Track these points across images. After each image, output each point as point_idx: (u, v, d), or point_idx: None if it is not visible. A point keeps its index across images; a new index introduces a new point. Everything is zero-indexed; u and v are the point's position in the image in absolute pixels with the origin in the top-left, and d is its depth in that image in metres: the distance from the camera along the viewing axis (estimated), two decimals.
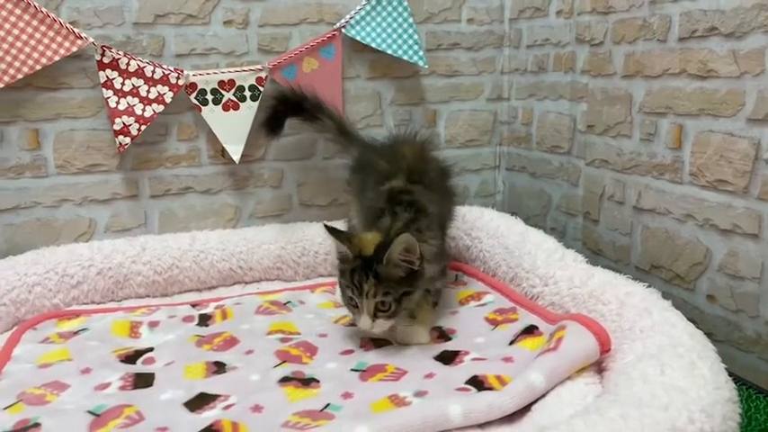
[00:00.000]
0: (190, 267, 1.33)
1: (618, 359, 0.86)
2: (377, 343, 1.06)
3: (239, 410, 0.85)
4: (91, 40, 1.30)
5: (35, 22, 1.27)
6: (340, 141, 1.37)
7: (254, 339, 1.08)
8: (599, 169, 1.33)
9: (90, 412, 0.85)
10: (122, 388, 0.92)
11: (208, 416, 0.84)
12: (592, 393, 0.83)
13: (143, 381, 0.94)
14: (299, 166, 1.51)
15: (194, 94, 1.39)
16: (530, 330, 1.01)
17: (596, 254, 1.35)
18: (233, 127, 1.42)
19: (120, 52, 1.33)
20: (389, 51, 1.46)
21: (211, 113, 1.40)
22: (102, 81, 1.33)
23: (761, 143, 0.97)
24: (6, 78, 1.26)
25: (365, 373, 0.95)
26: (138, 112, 1.35)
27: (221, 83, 1.40)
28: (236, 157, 1.42)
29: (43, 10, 1.27)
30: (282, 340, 1.07)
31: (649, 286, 0.99)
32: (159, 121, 1.38)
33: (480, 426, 0.80)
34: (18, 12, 1.26)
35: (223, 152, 1.44)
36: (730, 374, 0.80)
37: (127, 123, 1.34)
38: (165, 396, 0.90)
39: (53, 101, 1.34)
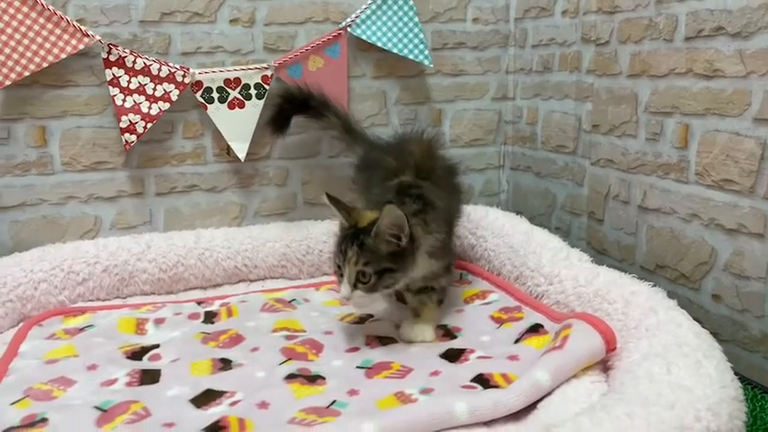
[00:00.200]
0: (195, 265, 1.34)
1: (623, 358, 0.86)
2: (382, 341, 1.06)
3: (245, 407, 0.85)
4: (97, 37, 1.31)
5: (42, 20, 1.27)
6: (346, 139, 1.38)
7: (259, 337, 1.08)
8: (604, 169, 1.33)
9: (97, 408, 0.85)
10: (129, 384, 0.93)
11: (214, 412, 0.84)
12: (597, 392, 0.83)
13: (149, 377, 0.95)
14: (304, 165, 1.51)
15: (200, 92, 1.39)
16: (535, 329, 1.01)
17: (601, 253, 1.35)
18: (238, 125, 1.42)
19: (126, 50, 1.33)
20: (395, 50, 1.47)
21: (217, 111, 1.41)
22: (108, 79, 1.33)
23: (767, 143, 0.97)
24: (14, 76, 1.27)
25: (371, 370, 0.95)
26: (144, 109, 1.35)
27: (227, 81, 1.40)
28: (241, 156, 1.43)
29: (50, 8, 1.27)
30: (288, 338, 1.08)
31: (654, 286, 0.99)
32: (165, 119, 1.39)
33: (486, 423, 0.80)
34: (25, 9, 1.26)
35: (228, 150, 1.44)
36: (736, 374, 0.80)
37: (133, 121, 1.34)
38: (171, 392, 0.90)
39: (60, 98, 1.34)
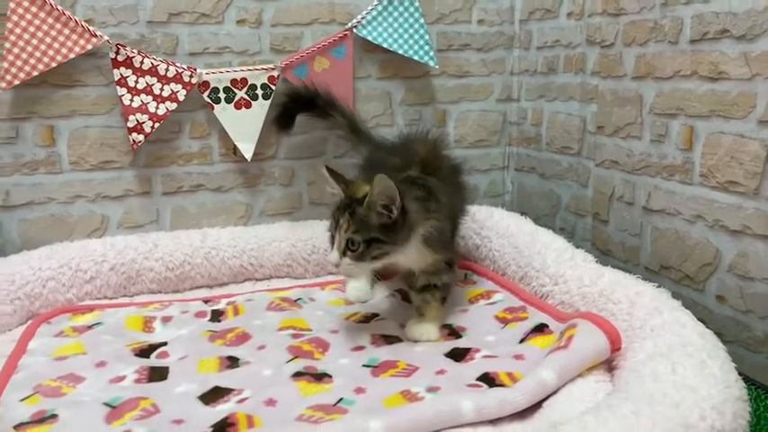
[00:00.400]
0: (201, 264, 1.35)
1: (628, 358, 0.87)
2: (388, 339, 1.07)
3: (253, 404, 0.86)
4: (106, 38, 1.32)
5: (51, 20, 1.28)
6: (351, 139, 1.38)
7: (266, 335, 1.09)
8: (609, 170, 1.33)
9: (106, 404, 0.86)
10: (137, 381, 0.94)
11: (222, 409, 0.85)
12: (602, 391, 0.83)
13: (158, 374, 0.95)
14: (310, 165, 1.52)
15: (207, 93, 1.40)
16: (540, 329, 1.02)
17: (605, 254, 1.36)
18: (245, 125, 1.43)
19: (134, 50, 1.34)
20: (400, 51, 1.47)
21: (224, 111, 1.41)
22: (116, 79, 1.34)
23: None
24: (23, 75, 1.28)
25: (377, 368, 0.96)
26: (152, 109, 1.36)
27: (234, 81, 1.41)
28: (247, 155, 1.44)
29: (59, 8, 1.28)
30: (294, 336, 1.09)
31: (659, 286, 1.00)
32: (172, 119, 1.40)
33: (492, 422, 0.80)
34: (34, 9, 1.27)
35: (235, 150, 1.45)
36: (740, 374, 0.81)
37: (140, 121, 1.35)
38: (179, 389, 0.91)
39: (68, 98, 1.35)
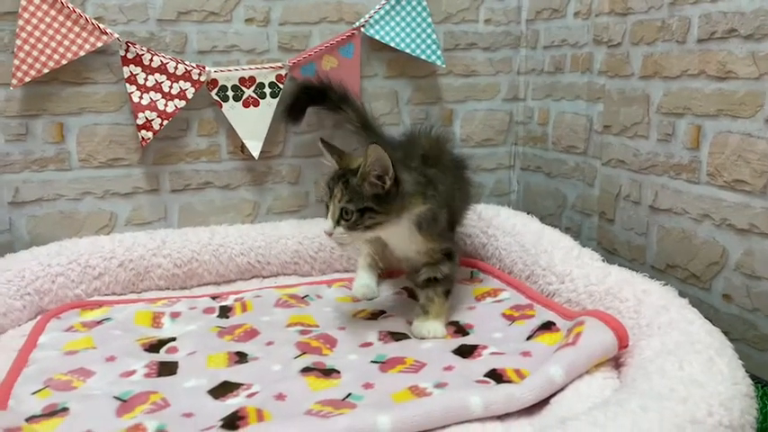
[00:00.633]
0: (209, 261, 1.35)
1: (636, 355, 0.87)
2: (395, 336, 1.07)
3: (263, 398, 0.86)
4: (116, 35, 1.33)
5: (62, 18, 1.29)
6: (361, 134, 1.38)
7: (274, 331, 1.10)
8: (615, 169, 1.34)
9: (117, 398, 0.87)
10: (147, 375, 0.94)
11: (232, 403, 0.86)
12: (610, 387, 0.84)
13: (167, 369, 0.96)
14: (317, 163, 1.53)
15: (215, 91, 1.41)
16: (547, 326, 1.02)
17: (611, 253, 1.36)
18: (253, 123, 1.44)
19: (143, 48, 1.35)
20: (408, 51, 1.48)
21: (232, 110, 1.42)
22: (125, 76, 1.35)
23: None
24: (33, 73, 1.29)
25: (385, 364, 0.97)
26: (161, 107, 1.37)
27: (242, 80, 1.42)
28: (255, 153, 1.44)
29: (70, 6, 1.29)
30: (302, 332, 1.09)
31: (666, 285, 1.00)
32: (180, 117, 1.41)
33: (499, 417, 0.81)
34: (45, 7, 1.28)
35: (242, 148, 1.46)
36: (746, 372, 0.81)
37: (149, 118, 1.36)
38: (188, 384, 0.92)
39: (78, 95, 1.36)
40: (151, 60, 1.36)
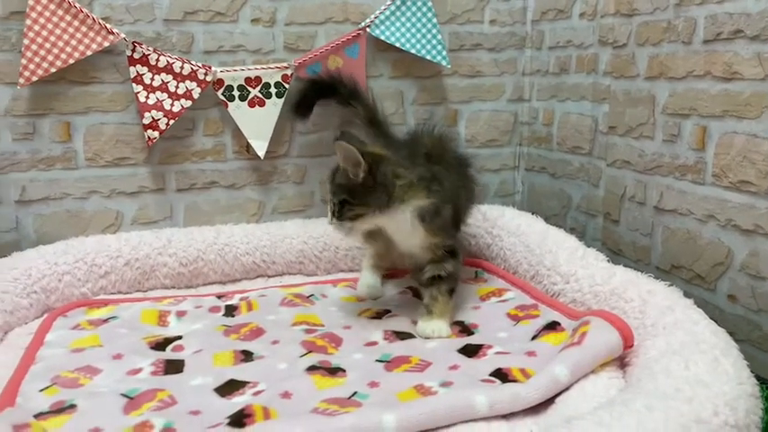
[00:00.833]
0: (214, 260, 1.36)
1: (641, 355, 0.87)
2: (400, 336, 1.08)
3: (269, 396, 0.87)
4: (122, 35, 1.33)
5: (69, 18, 1.30)
6: (369, 132, 1.37)
7: (279, 330, 1.10)
8: (620, 170, 1.34)
9: (123, 395, 0.87)
10: (154, 373, 0.95)
11: (238, 401, 0.86)
12: (615, 387, 0.84)
13: (173, 367, 0.96)
14: (322, 163, 1.53)
15: (221, 91, 1.41)
16: (552, 326, 1.03)
17: (616, 254, 1.36)
18: (258, 123, 1.44)
19: (150, 48, 1.36)
20: (413, 51, 1.48)
21: (237, 109, 1.43)
22: (132, 76, 1.36)
23: None
24: (40, 72, 1.29)
25: (390, 363, 0.97)
26: (167, 106, 1.37)
27: (248, 80, 1.42)
28: (260, 153, 1.45)
29: (77, 5, 1.30)
30: (307, 331, 1.10)
31: (671, 285, 1.01)
32: (186, 116, 1.41)
33: (505, 416, 0.81)
34: (53, 7, 1.29)
35: (248, 148, 1.46)
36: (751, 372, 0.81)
37: (156, 118, 1.37)
38: (195, 382, 0.92)
39: (84, 95, 1.37)
40: (157, 60, 1.36)
